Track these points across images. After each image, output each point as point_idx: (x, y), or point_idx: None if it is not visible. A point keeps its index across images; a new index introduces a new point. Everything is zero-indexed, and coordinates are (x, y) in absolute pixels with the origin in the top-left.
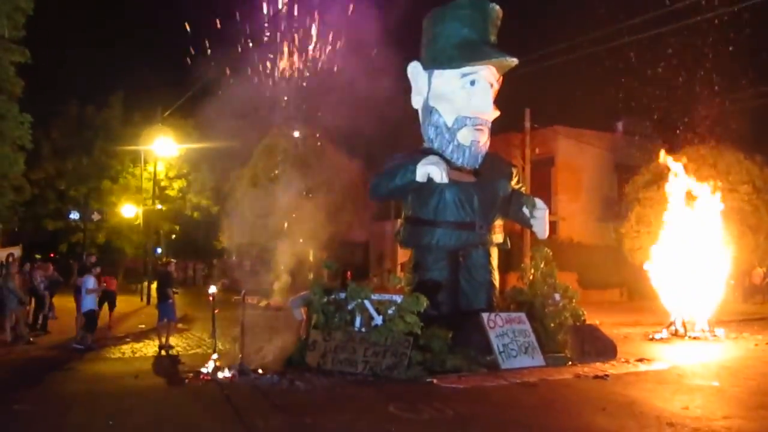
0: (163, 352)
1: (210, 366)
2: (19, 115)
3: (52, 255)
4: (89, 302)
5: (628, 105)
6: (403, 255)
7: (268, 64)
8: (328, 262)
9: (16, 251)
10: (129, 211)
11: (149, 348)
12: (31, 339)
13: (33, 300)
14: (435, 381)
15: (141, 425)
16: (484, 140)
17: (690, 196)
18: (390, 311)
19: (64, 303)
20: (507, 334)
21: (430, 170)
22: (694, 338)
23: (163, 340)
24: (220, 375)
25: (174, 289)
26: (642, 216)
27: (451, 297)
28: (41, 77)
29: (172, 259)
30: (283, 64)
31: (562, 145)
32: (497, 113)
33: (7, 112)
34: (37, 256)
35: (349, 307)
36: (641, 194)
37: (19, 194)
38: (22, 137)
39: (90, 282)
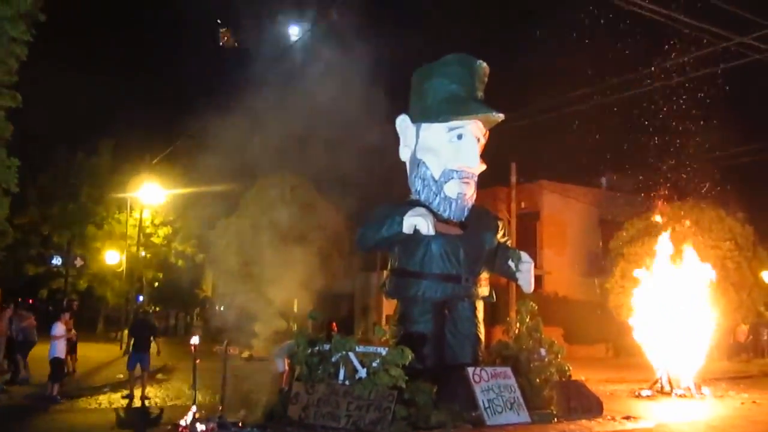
0: (139, 402)
1: (189, 418)
2: (7, 159)
3: (31, 301)
4: (55, 350)
5: (612, 161)
6: (389, 307)
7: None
8: (312, 313)
9: None
10: (112, 257)
11: (125, 399)
12: (4, 387)
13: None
14: None
15: None
16: (470, 193)
17: (675, 253)
18: (374, 364)
19: (41, 350)
20: (492, 389)
21: (416, 222)
22: (681, 396)
23: (138, 391)
24: (199, 428)
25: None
26: (627, 271)
27: (437, 350)
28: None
29: (155, 308)
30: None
31: (547, 200)
32: (484, 167)
33: None
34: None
35: (333, 359)
36: (626, 249)
37: (1, 238)
38: (9, 181)
39: (57, 329)
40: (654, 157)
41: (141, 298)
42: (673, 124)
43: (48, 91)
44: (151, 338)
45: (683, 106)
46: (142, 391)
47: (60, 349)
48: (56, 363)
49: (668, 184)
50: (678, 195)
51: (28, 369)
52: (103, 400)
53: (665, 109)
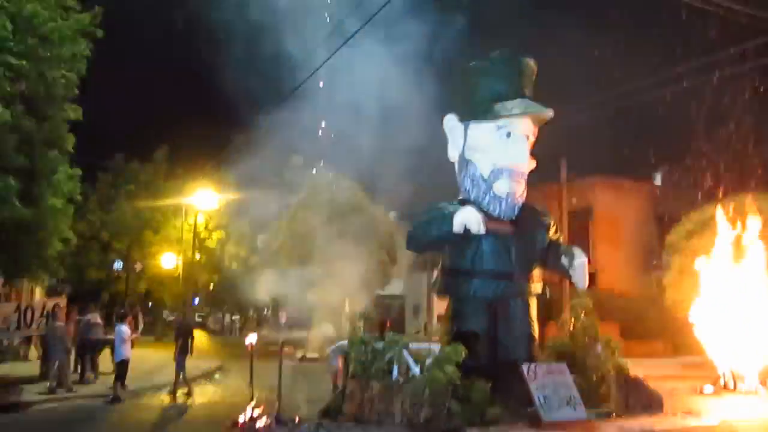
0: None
1: (247, 415)
2: (70, 169)
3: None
4: (122, 352)
5: (668, 154)
6: (440, 307)
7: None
8: (365, 313)
9: (62, 301)
10: (169, 261)
11: (187, 397)
12: (73, 387)
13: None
14: None
15: None
16: (520, 191)
17: (737, 246)
18: (428, 361)
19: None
20: (548, 385)
21: (467, 221)
22: (746, 392)
23: (182, 390)
24: (257, 424)
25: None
26: (685, 266)
27: (490, 347)
28: (89, 132)
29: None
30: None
31: (600, 196)
32: (533, 164)
33: (58, 167)
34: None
35: (387, 357)
36: (683, 244)
37: (65, 245)
38: (72, 191)
39: (123, 332)
40: (712, 149)
41: (197, 300)
42: (732, 114)
43: (105, 101)
44: (189, 340)
45: (742, 96)
46: (189, 391)
47: (126, 351)
48: (122, 364)
49: (728, 176)
50: (739, 187)
51: (97, 369)
52: (166, 398)
53: (723, 99)
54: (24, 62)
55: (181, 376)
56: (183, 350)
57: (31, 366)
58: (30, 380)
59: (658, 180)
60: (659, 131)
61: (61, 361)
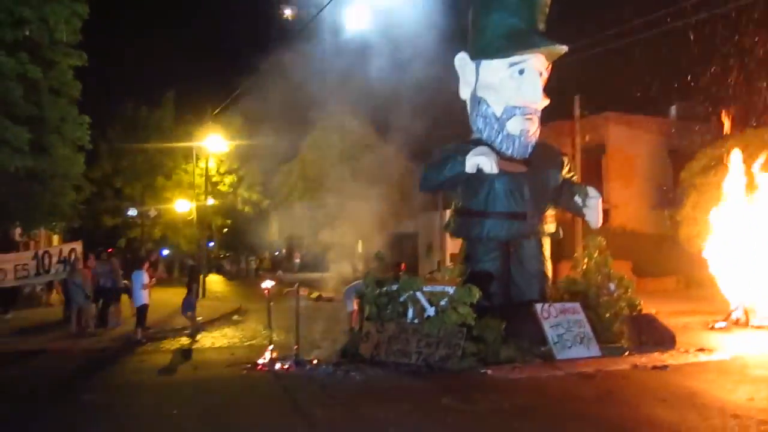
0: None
1: (266, 357)
2: (78, 116)
3: (110, 250)
4: (141, 297)
5: (683, 88)
6: (453, 245)
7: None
8: (379, 254)
9: (78, 246)
10: (182, 206)
11: (206, 340)
12: (95, 332)
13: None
14: (489, 372)
15: (202, 414)
16: (533, 130)
17: (751, 182)
18: (442, 302)
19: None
20: (561, 324)
21: (479, 161)
22: (758, 327)
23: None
24: (276, 366)
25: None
26: (698, 202)
27: (503, 288)
28: (96, 79)
29: (226, 253)
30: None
31: (613, 132)
32: (547, 102)
33: (66, 115)
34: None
35: (402, 299)
36: (698, 180)
37: (79, 193)
38: (82, 138)
39: (141, 277)
40: (727, 82)
41: (212, 244)
42: (749, 44)
43: (111, 48)
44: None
45: (764, 27)
46: (195, 331)
47: (145, 296)
48: (142, 309)
49: (744, 111)
50: (755, 120)
51: (119, 314)
52: (185, 341)
53: (740, 27)
54: (25, 8)
55: (190, 318)
56: (194, 293)
57: (54, 311)
58: (53, 326)
59: (673, 114)
60: (674, 64)
61: (81, 305)
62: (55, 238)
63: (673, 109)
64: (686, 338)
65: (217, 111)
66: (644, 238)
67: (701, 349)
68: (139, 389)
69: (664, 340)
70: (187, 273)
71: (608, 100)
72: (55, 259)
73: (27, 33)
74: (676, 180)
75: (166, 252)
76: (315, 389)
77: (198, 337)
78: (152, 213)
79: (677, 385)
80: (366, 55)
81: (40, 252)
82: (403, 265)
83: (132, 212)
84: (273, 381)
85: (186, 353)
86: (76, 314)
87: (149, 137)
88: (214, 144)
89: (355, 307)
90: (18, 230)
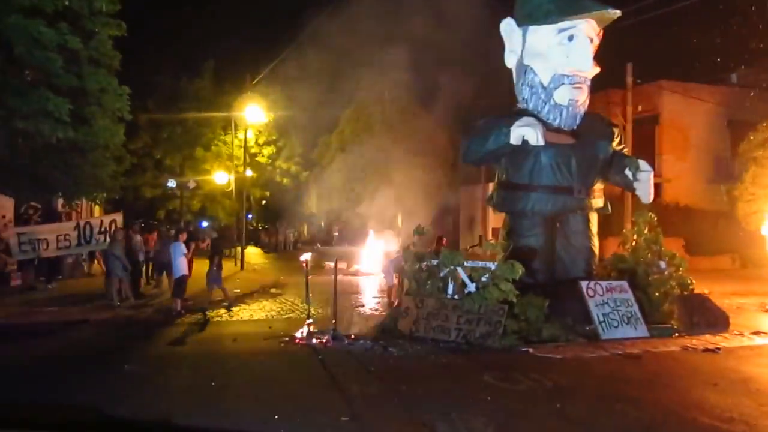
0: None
1: (304, 331)
2: (118, 87)
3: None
4: (179, 268)
5: (744, 55)
6: (495, 220)
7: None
8: (419, 228)
9: (118, 217)
10: (221, 177)
11: (245, 312)
12: (134, 303)
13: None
14: (531, 350)
15: (241, 386)
16: (582, 99)
17: None
18: (483, 278)
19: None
20: (608, 303)
21: (524, 132)
22: None
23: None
24: (314, 340)
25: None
26: (758, 177)
27: (548, 264)
28: (136, 49)
29: (265, 225)
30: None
31: (667, 101)
32: (597, 70)
33: (107, 85)
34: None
35: (442, 274)
36: (758, 153)
37: (119, 164)
38: (122, 109)
39: (179, 248)
40: None
41: (250, 216)
42: None
43: (150, 18)
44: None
45: None
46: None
47: (183, 267)
48: (181, 280)
49: None
50: None
51: (161, 284)
52: (224, 313)
53: None
54: None
55: (215, 290)
56: (218, 266)
57: (95, 282)
58: (95, 296)
59: (733, 81)
60: (737, 27)
61: (119, 276)
62: (96, 209)
63: (733, 77)
64: (741, 320)
65: (256, 81)
66: (698, 214)
67: (757, 332)
68: (178, 360)
69: (717, 321)
70: (211, 246)
71: (662, 67)
72: (96, 230)
73: (67, 3)
74: (734, 153)
75: (205, 224)
76: (352, 364)
77: (233, 309)
78: (191, 184)
79: (730, 369)
80: (409, 22)
81: (82, 223)
82: (443, 240)
83: (171, 184)
84: (310, 355)
85: (225, 325)
86: (117, 285)
87: (188, 108)
88: (252, 115)
89: (396, 281)
90: (60, 201)
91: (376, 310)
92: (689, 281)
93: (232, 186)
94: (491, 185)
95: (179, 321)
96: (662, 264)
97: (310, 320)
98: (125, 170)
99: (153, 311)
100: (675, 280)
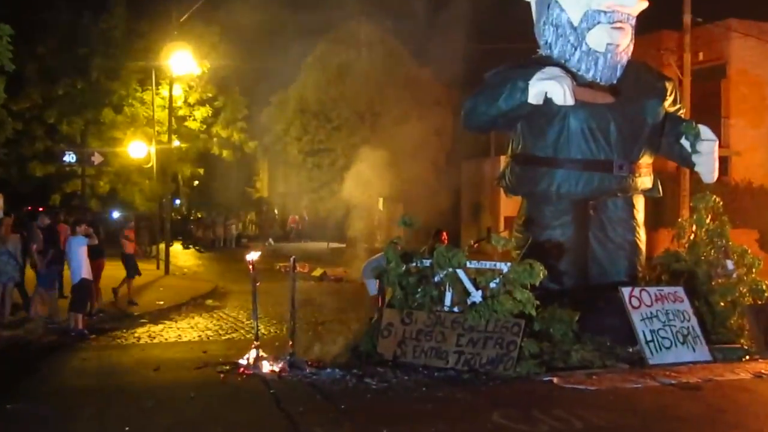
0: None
1: (251, 356)
2: None
3: (41, 209)
4: (79, 270)
5: None
6: (508, 206)
7: None
8: (406, 217)
9: None
10: (138, 149)
11: (170, 332)
12: (34, 317)
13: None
14: (556, 380)
15: None
16: (625, 43)
17: None
18: (493, 284)
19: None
20: (657, 316)
21: (547, 87)
22: None
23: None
24: (265, 368)
25: None
26: None
27: (578, 265)
28: None
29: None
30: None
31: (737, 48)
32: (644, 4)
33: None
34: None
35: (437, 279)
36: None
37: None
38: (1, 56)
39: (77, 244)
40: None
41: (178, 201)
42: None
43: None
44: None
45: None
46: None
47: (85, 269)
48: (81, 287)
49: None
50: None
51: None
52: (142, 334)
53: None
54: None
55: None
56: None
57: None
58: None
59: None
60: None
61: (13, 283)
62: None
63: None
64: None
65: (184, 18)
66: None
67: None
68: (78, 398)
69: None
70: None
71: (732, 2)
72: None
73: None
74: None
75: (116, 214)
76: (316, 401)
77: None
78: (96, 159)
79: None
80: None
81: None
82: (444, 235)
83: (69, 158)
84: (260, 389)
85: (144, 349)
86: (7, 292)
87: (93, 55)
88: (180, 64)
89: (377, 289)
90: None
91: (349, 327)
92: (765, 287)
93: (153, 161)
94: (503, 159)
95: (81, 344)
96: (729, 264)
97: (259, 342)
98: (6, 139)
99: (46, 330)
100: (746, 285)
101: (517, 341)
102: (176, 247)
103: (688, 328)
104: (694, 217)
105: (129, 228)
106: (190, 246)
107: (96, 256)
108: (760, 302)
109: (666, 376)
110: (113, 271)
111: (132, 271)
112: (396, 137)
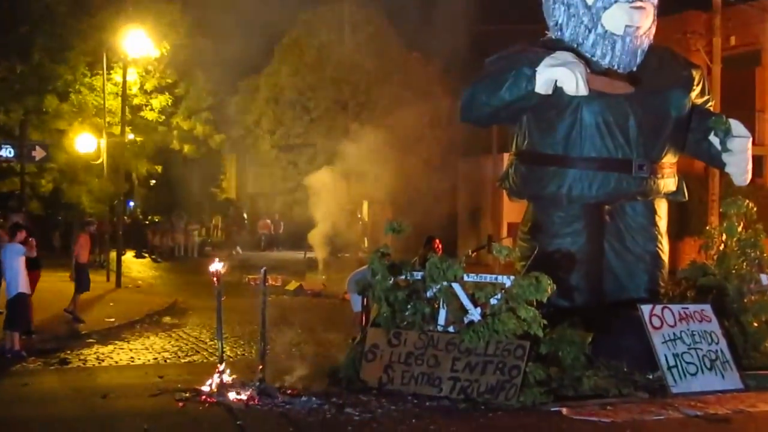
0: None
1: (215, 382)
2: None
3: None
4: (16, 283)
5: None
6: (512, 210)
7: None
8: (393, 223)
9: None
10: (86, 143)
11: (122, 353)
12: None
13: None
14: (565, 411)
15: None
16: (646, 25)
17: None
18: (493, 300)
19: None
20: (682, 338)
21: (558, 75)
22: None
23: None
24: (230, 396)
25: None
26: None
27: (592, 279)
28: None
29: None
30: None
31: None
32: None
33: None
34: None
35: (429, 294)
36: None
37: None
38: None
39: (16, 252)
40: None
41: (132, 203)
42: None
43: None
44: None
45: None
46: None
47: (23, 282)
48: (18, 303)
49: None
50: None
51: None
52: (90, 355)
53: None
54: None
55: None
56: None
57: None
58: None
59: None
60: None
61: None
62: None
63: None
64: None
65: None
66: None
67: None
68: (16, 429)
69: None
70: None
71: None
72: None
73: None
74: None
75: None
76: None
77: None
78: (38, 154)
79: None
80: None
81: None
82: (436, 243)
83: (6, 152)
84: (224, 420)
85: (91, 373)
86: None
87: (34, 35)
88: (136, 46)
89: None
90: None
91: (329, 349)
92: None
93: (103, 157)
94: (506, 157)
95: (18, 367)
96: (764, 279)
97: (224, 365)
98: None
99: None
100: None
101: (520, 366)
102: (129, 256)
103: (717, 351)
104: (724, 224)
105: (86, 233)
106: (146, 255)
107: (33, 266)
108: None
109: (691, 407)
110: (55, 284)
111: (85, 284)
112: (384, 131)
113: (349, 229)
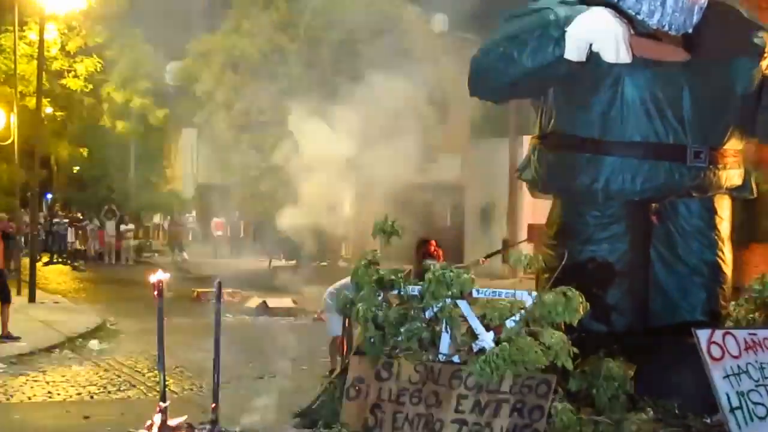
0: None
1: (156, 423)
2: None
3: None
4: None
5: None
6: (535, 209)
7: None
8: (383, 224)
9: None
10: None
11: (37, 387)
12: None
13: None
14: None
15: None
16: None
17: None
18: (510, 322)
19: None
20: (748, 372)
21: (593, 38)
22: None
23: None
24: None
25: None
26: None
27: (635, 296)
28: None
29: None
30: None
31: None
32: None
33: None
34: None
35: (428, 315)
36: None
37: None
38: None
39: None
40: None
41: (50, 196)
42: None
43: None
44: None
45: None
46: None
47: None
48: None
49: None
50: None
51: None
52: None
53: None
54: None
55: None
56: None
57: None
58: None
59: None
60: None
61: None
62: None
63: None
64: None
65: None
66: None
67: None
68: None
69: None
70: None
71: None
72: None
73: None
74: None
75: None
76: None
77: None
78: None
79: None
80: None
81: None
82: (433, 246)
83: None
84: None
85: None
86: None
87: None
88: None
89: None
90: None
91: (300, 383)
92: None
93: (14, 136)
94: (527, 141)
95: None
96: None
97: (167, 403)
98: None
99: None
100: None
101: (544, 407)
102: (46, 262)
103: None
104: None
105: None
106: (66, 261)
107: None
108: None
109: None
110: None
111: (6, 294)
112: (372, 106)
113: (329, 230)
